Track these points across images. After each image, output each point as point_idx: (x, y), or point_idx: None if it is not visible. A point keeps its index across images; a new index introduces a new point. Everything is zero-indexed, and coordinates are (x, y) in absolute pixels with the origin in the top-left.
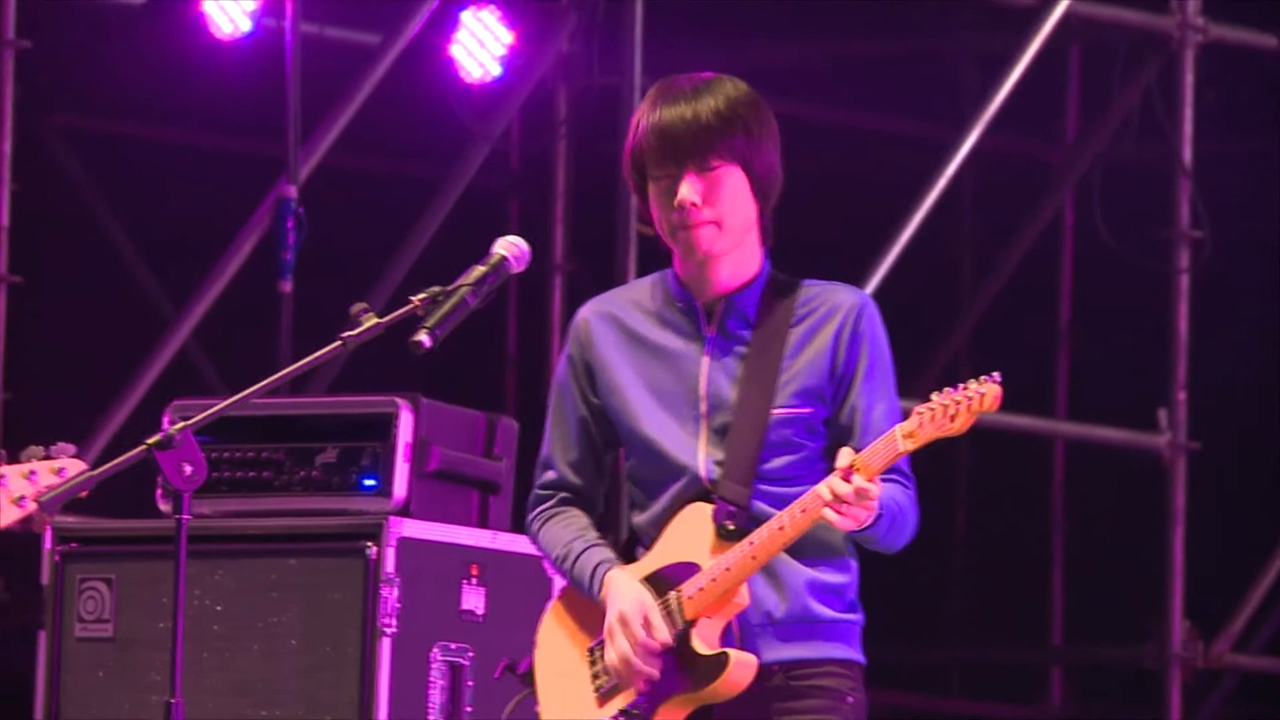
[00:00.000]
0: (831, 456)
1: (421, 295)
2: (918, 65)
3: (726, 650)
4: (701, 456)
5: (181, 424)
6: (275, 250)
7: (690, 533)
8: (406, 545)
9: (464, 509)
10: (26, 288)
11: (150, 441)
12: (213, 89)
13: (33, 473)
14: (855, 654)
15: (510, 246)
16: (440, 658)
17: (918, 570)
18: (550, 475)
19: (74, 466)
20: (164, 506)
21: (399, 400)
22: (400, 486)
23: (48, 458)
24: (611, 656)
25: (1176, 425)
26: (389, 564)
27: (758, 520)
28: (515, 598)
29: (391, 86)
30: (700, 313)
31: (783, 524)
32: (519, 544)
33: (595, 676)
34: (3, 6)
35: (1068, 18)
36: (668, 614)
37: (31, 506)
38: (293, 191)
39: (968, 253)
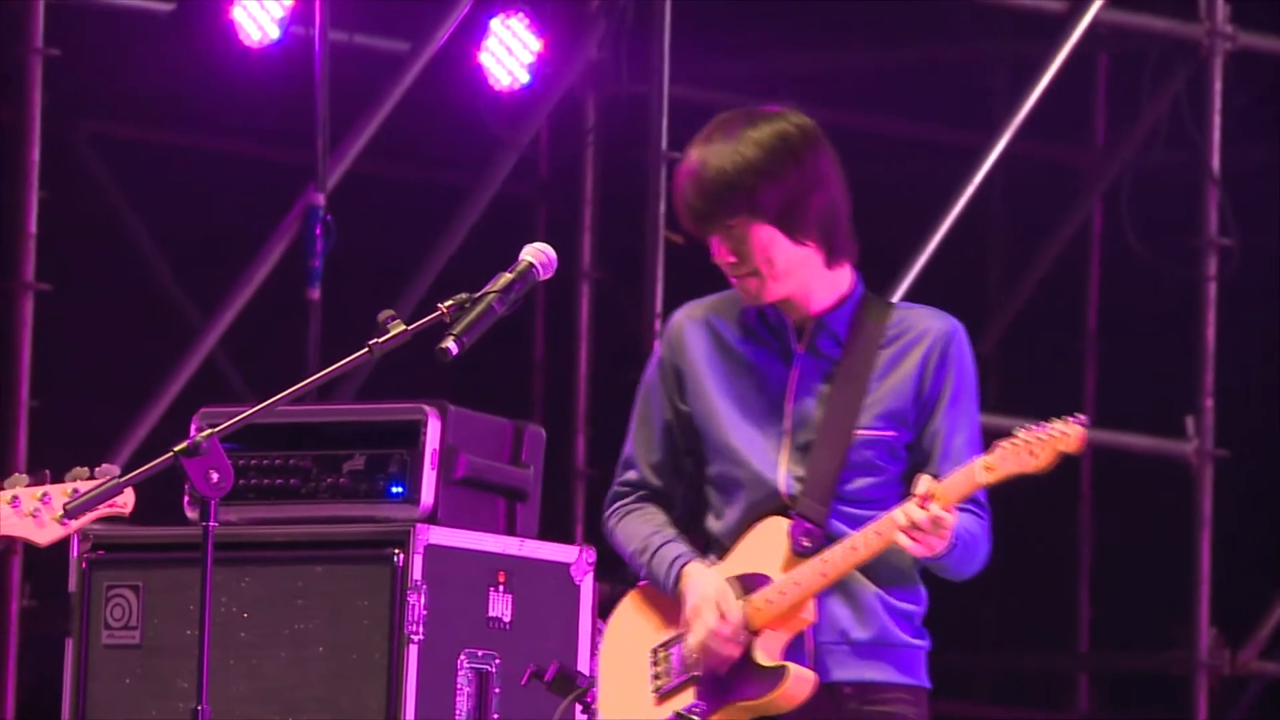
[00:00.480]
0: (910, 481)
1: (449, 302)
2: (948, 72)
3: (786, 664)
4: (782, 471)
5: (209, 431)
6: (303, 257)
7: (765, 545)
8: (433, 552)
9: (491, 516)
10: (54, 295)
11: (178, 449)
12: (241, 96)
13: (75, 491)
14: (924, 681)
15: (538, 254)
16: (467, 665)
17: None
18: (631, 475)
19: None
20: (191, 514)
21: (426, 407)
22: (427, 494)
23: (91, 478)
24: (690, 642)
25: (1204, 432)
26: (416, 571)
27: (834, 539)
28: (542, 605)
29: (420, 94)
30: (791, 329)
31: (856, 545)
32: (546, 551)
33: (656, 677)
34: (31, 15)
35: (1096, 25)
36: (743, 624)
37: (74, 526)
38: (321, 199)
39: (996, 259)
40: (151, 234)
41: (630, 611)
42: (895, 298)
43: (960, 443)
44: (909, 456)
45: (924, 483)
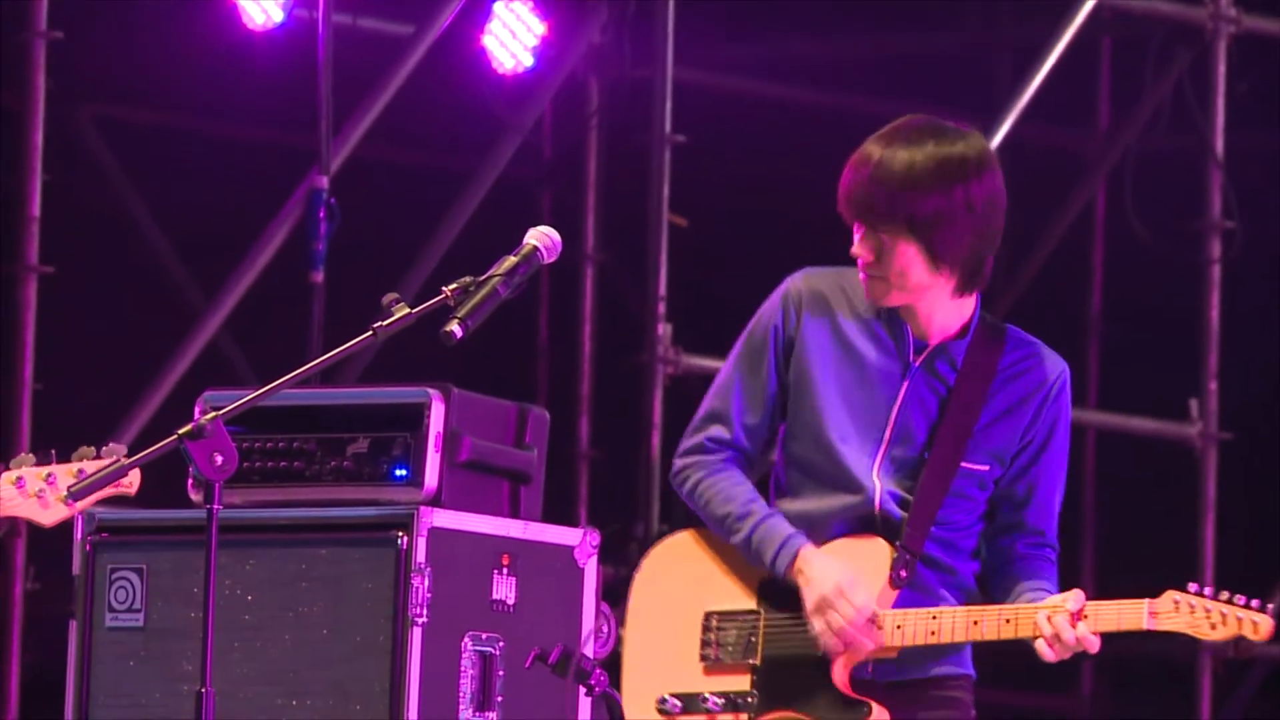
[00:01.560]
0: (991, 515)
1: (453, 286)
2: (951, 56)
3: (870, 703)
4: (878, 482)
5: (213, 414)
6: (307, 241)
7: (862, 564)
8: (437, 535)
9: (495, 499)
10: (58, 278)
11: (182, 431)
12: (244, 80)
13: (81, 471)
14: (972, 671)
15: (542, 237)
16: (471, 648)
17: None
18: (721, 431)
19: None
20: (195, 496)
21: (430, 390)
22: (431, 476)
23: (98, 457)
24: (821, 626)
25: (1208, 415)
26: (420, 554)
27: (927, 561)
28: (546, 588)
29: (423, 77)
30: (911, 341)
31: (979, 621)
32: (550, 534)
33: (706, 644)
34: None
35: (1100, 9)
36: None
37: (80, 507)
38: (324, 182)
39: (1000, 242)
40: (155, 217)
41: (678, 559)
42: None
43: (1055, 495)
44: (995, 490)
45: (1077, 599)
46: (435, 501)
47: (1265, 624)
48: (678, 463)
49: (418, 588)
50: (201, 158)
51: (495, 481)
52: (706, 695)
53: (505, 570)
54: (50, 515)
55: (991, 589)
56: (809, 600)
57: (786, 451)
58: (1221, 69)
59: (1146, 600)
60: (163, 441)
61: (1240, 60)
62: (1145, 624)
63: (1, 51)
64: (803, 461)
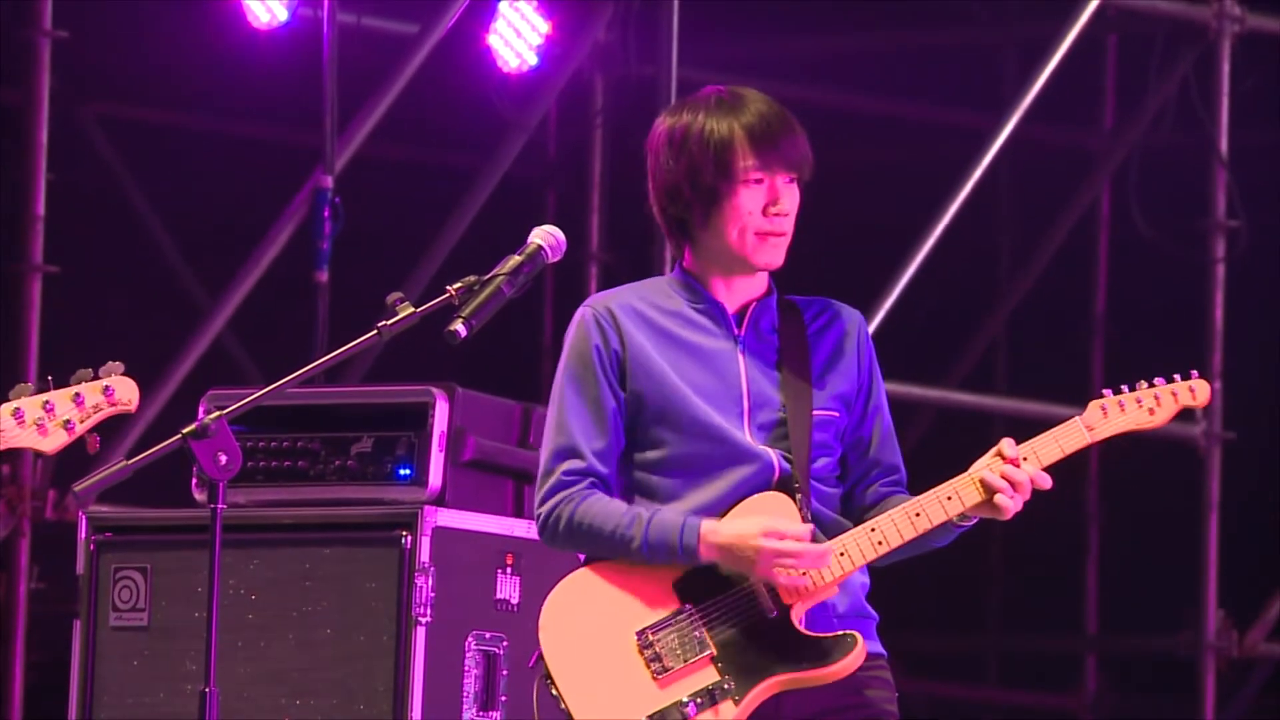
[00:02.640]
0: (844, 465)
1: (457, 285)
2: (957, 54)
3: (853, 634)
4: (765, 448)
5: (217, 413)
6: (311, 240)
7: (774, 515)
8: (441, 534)
9: (499, 498)
10: (62, 277)
11: (186, 431)
12: (249, 79)
13: (79, 395)
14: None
15: (546, 236)
16: (475, 647)
17: (955, 561)
18: (574, 464)
19: (122, 385)
20: (199, 496)
21: (434, 390)
22: (435, 476)
23: (96, 379)
24: (776, 575)
25: (1212, 415)
26: (424, 553)
27: (817, 520)
28: (550, 587)
29: (428, 76)
30: (730, 316)
31: (920, 510)
32: None
33: (653, 660)
34: None
35: (1105, 7)
36: (766, 593)
37: (79, 430)
38: (329, 181)
39: (1005, 240)
40: (159, 216)
41: (580, 597)
42: (904, 278)
43: (890, 424)
44: (844, 442)
45: (1010, 445)
46: (439, 501)
47: (1202, 387)
48: (541, 510)
49: (422, 587)
50: (206, 156)
51: (499, 481)
52: (684, 701)
53: (509, 569)
54: (50, 442)
55: (868, 519)
56: (745, 559)
57: (661, 459)
58: (1226, 68)
59: (1076, 417)
60: (167, 441)
61: (1245, 59)
62: (1087, 439)
63: (6, 50)
64: (688, 458)
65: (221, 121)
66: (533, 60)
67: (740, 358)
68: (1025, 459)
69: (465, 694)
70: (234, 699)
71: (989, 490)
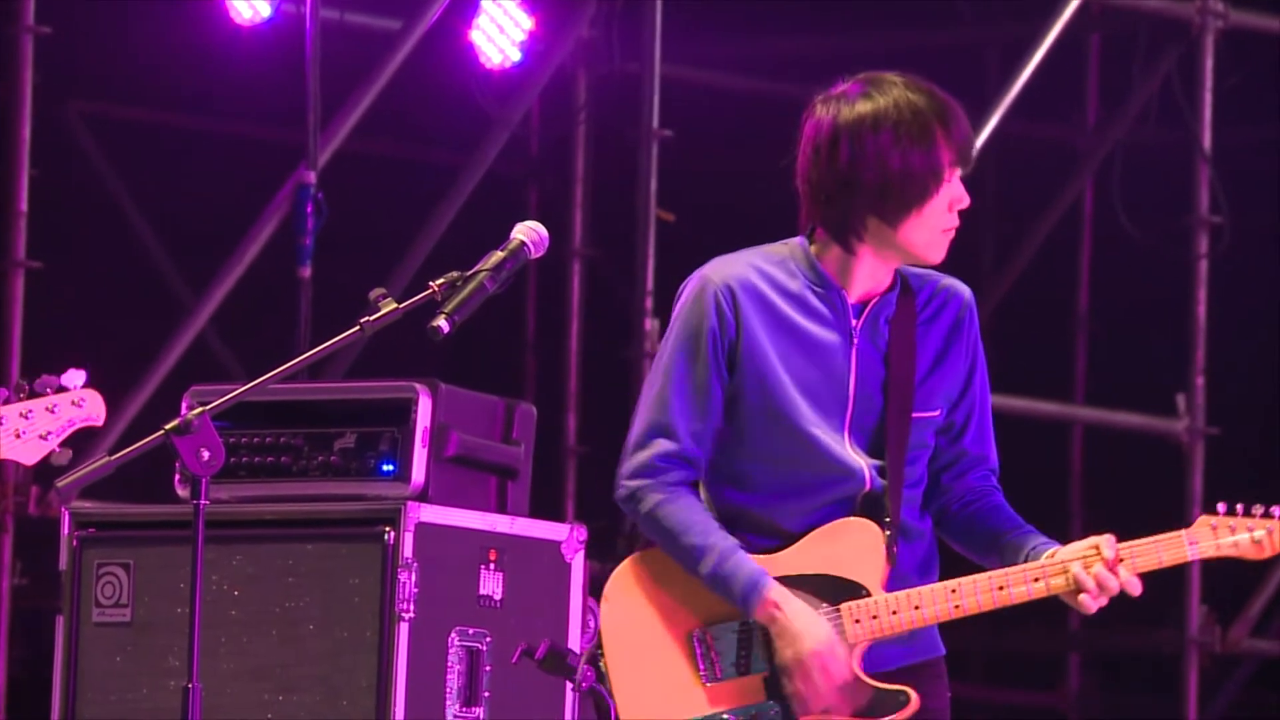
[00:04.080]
0: (930, 460)
1: (440, 280)
2: (941, 51)
3: (907, 691)
4: (862, 461)
5: (200, 409)
6: (294, 236)
7: (856, 549)
8: (424, 530)
9: (482, 494)
10: (46, 273)
11: (168, 427)
12: (232, 75)
13: (54, 405)
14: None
15: (529, 232)
16: (458, 643)
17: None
18: (668, 445)
19: (91, 400)
20: (182, 492)
21: (417, 385)
22: (418, 472)
23: (62, 389)
24: (800, 688)
25: (1195, 410)
26: (407, 549)
27: (904, 530)
28: (533, 583)
29: (411, 72)
30: (848, 303)
31: (1004, 585)
32: (537, 529)
33: (705, 663)
34: None
35: (1088, 4)
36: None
37: (55, 443)
38: (312, 177)
39: (989, 237)
40: (143, 212)
41: (649, 578)
42: None
43: (989, 417)
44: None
45: (1110, 544)
46: (422, 497)
47: None
48: (628, 485)
49: (405, 583)
50: (189, 153)
51: (482, 477)
52: (724, 716)
53: (493, 565)
54: (31, 453)
55: (958, 537)
56: (784, 653)
57: (749, 453)
58: (1209, 64)
59: (1182, 531)
60: (150, 436)
61: (1228, 55)
62: (1189, 555)
63: None
64: (770, 457)
65: (204, 118)
66: (516, 56)
67: (853, 353)
68: (1122, 561)
69: (448, 690)
70: (217, 695)
71: (1077, 587)
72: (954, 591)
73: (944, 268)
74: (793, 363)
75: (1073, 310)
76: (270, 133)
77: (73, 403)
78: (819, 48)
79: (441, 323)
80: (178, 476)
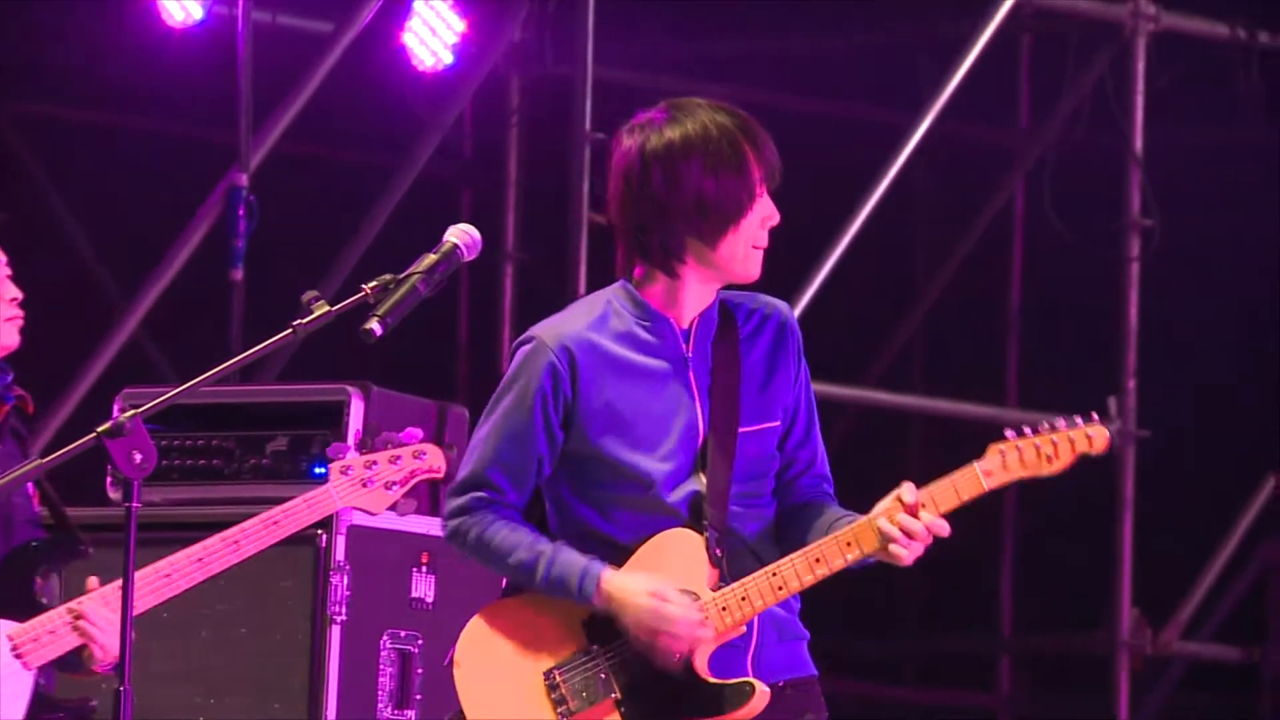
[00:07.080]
0: (781, 469)
1: (373, 283)
2: (873, 53)
3: (751, 680)
4: (700, 476)
5: (132, 412)
6: (226, 238)
7: (678, 556)
8: (356, 533)
9: (414, 497)
10: None
11: (100, 429)
12: (164, 77)
13: (397, 458)
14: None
15: (462, 234)
16: (390, 645)
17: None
18: (485, 495)
19: (431, 452)
20: (114, 494)
21: (350, 388)
22: None
23: (402, 444)
24: (653, 639)
25: (1126, 413)
26: (339, 552)
27: (736, 538)
28: (465, 585)
29: (343, 74)
30: (678, 332)
31: (820, 556)
32: None
33: (559, 701)
34: None
35: (1020, 6)
36: None
37: (399, 495)
38: (244, 179)
39: (921, 238)
40: (74, 214)
41: (493, 634)
42: (820, 276)
43: (817, 426)
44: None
45: (910, 491)
46: None
47: (1100, 433)
48: (449, 524)
49: (337, 586)
50: (121, 155)
51: None
52: None
53: (425, 568)
54: (379, 502)
55: (786, 534)
56: (630, 620)
57: (575, 493)
58: (1141, 66)
59: (974, 462)
60: (81, 439)
61: (1159, 58)
62: (984, 485)
63: None
64: (614, 489)
65: (136, 119)
66: (448, 59)
67: (690, 375)
68: (924, 505)
69: (380, 692)
70: (149, 697)
71: (885, 539)
72: (775, 574)
73: (878, 267)
74: (633, 398)
75: (1004, 312)
76: (202, 135)
77: (414, 454)
78: (750, 50)
79: (374, 325)
80: (110, 479)
